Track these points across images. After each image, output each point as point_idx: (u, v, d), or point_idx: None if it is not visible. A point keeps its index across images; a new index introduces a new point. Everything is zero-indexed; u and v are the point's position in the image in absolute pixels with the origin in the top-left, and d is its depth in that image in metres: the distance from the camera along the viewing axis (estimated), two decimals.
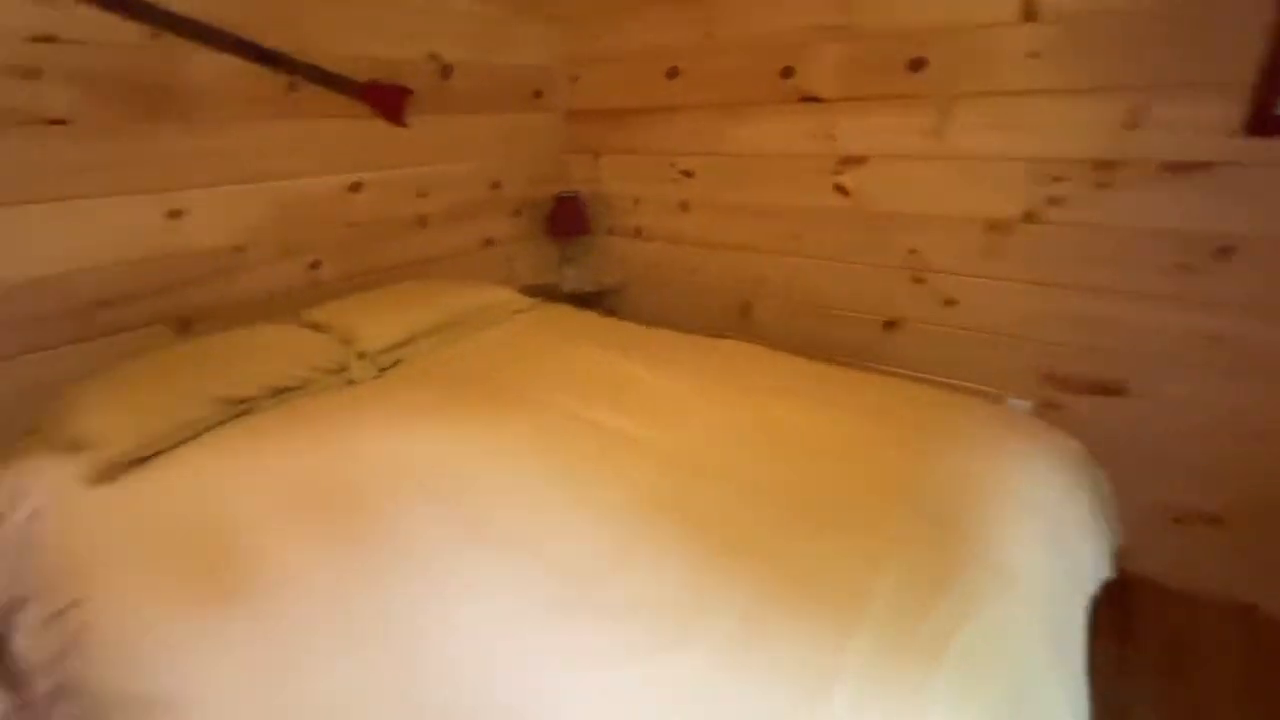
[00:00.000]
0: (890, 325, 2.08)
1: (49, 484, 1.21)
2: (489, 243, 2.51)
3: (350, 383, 1.57)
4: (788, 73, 2.03)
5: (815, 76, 1.99)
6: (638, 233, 2.61)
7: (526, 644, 0.79)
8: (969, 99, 1.76)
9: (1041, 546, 0.99)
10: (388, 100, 2.03)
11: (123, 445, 1.21)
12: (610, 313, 2.72)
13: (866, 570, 0.89)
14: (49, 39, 1.39)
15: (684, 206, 2.43)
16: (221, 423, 1.36)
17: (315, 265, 1.97)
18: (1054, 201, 1.72)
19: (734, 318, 2.42)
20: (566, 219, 2.61)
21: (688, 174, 2.38)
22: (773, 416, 1.32)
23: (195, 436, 1.31)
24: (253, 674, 0.79)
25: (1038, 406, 1.88)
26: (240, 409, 1.40)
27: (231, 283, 1.78)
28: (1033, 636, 0.84)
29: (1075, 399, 1.83)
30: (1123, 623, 1.65)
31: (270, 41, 1.73)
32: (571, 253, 2.78)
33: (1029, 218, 1.76)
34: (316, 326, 1.70)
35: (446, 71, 2.19)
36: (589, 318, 2.08)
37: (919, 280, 1.99)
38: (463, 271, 2.37)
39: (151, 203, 1.60)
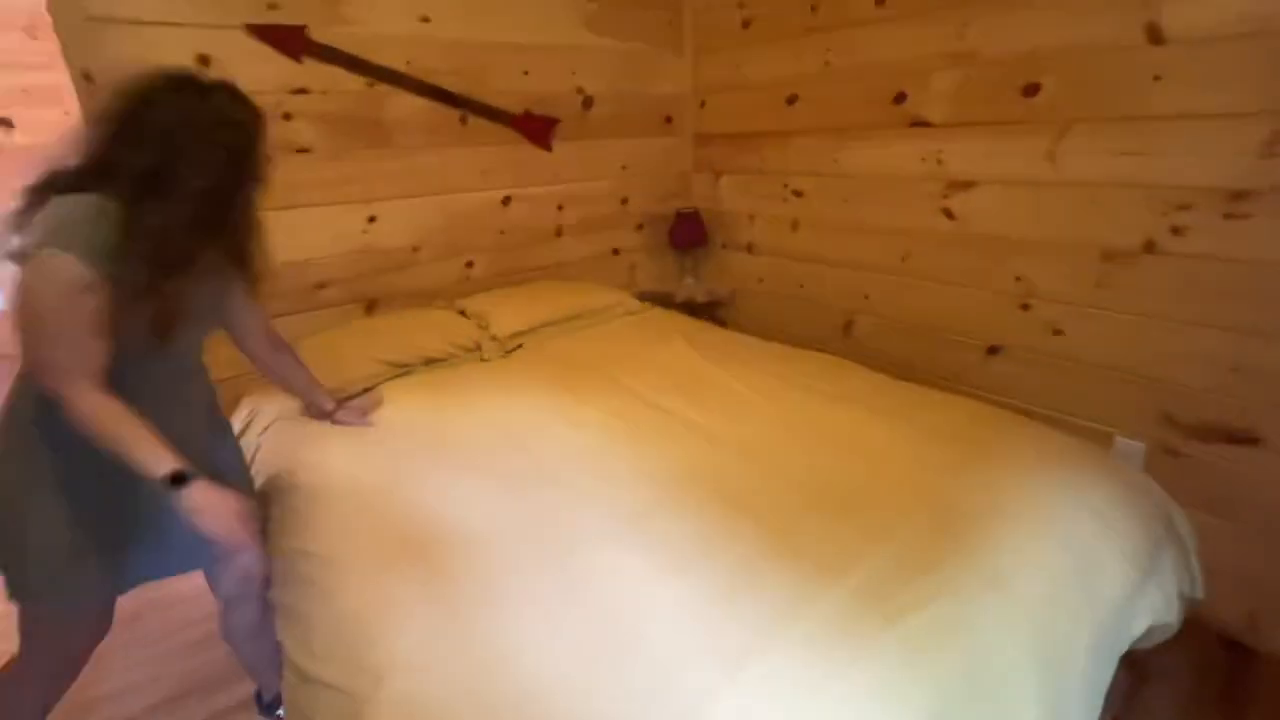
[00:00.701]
0: (993, 351, 2.05)
1: (275, 411, 1.68)
2: (615, 252, 2.82)
3: (482, 360, 1.93)
4: (900, 98, 2.09)
5: (927, 102, 2.03)
6: (750, 248, 2.77)
7: (597, 561, 1.03)
8: (1086, 124, 1.72)
9: (1052, 567, 1.02)
10: (538, 128, 2.42)
11: None
12: (720, 321, 2.92)
13: (860, 548, 1.00)
14: (301, 90, 1.91)
15: (794, 224, 2.56)
16: (386, 379, 1.77)
17: (470, 264, 2.40)
18: (1177, 231, 1.62)
19: (836, 333, 2.49)
20: (686, 233, 2.85)
21: (799, 194, 2.50)
22: (828, 419, 1.44)
23: (370, 387, 1.73)
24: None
25: (1153, 450, 1.76)
26: (400, 371, 1.81)
27: (407, 274, 2.25)
28: (1008, 637, 0.91)
29: (1199, 446, 1.69)
30: (1210, 685, 1.51)
31: (452, 85, 2.17)
32: (689, 264, 3.01)
33: (1149, 248, 1.68)
34: (463, 313, 2.10)
35: (588, 102, 2.53)
36: (688, 322, 2.30)
37: (1025, 307, 1.95)
38: (590, 276, 2.70)
39: (357, 211, 2.10)
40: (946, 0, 1.90)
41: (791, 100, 2.42)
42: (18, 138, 2.49)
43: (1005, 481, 1.18)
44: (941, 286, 2.14)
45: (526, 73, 2.34)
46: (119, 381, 0.97)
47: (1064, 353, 1.89)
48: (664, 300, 2.87)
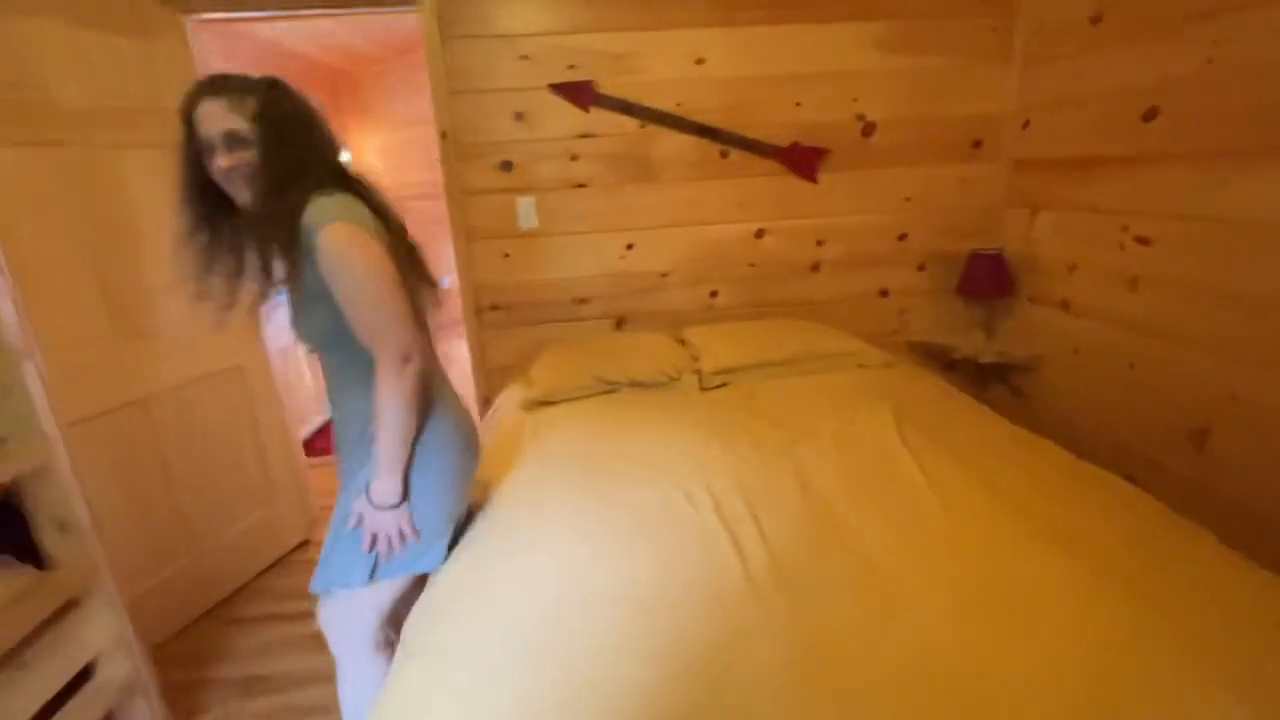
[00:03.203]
0: None
1: (512, 401, 2.03)
2: (884, 294, 2.51)
3: (681, 391, 1.96)
4: None
5: None
6: (1066, 305, 2.14)
7: None
8: None
9: None
10: (803, 160, 2.31)
11: (538, 391, 1.93)
12: (1015, 391, 2.36)
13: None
14: (586, 135, 2.23)
15: (1133, 282, 1.87)
16: (596, 394, 1.96)
17: (714, 294, 2.45)
18: None
19: (1180, 443, 1.75)
20: (982, 278, 2.35)
21: (1144, 241, 1.82)
22: (1043, 595, 0.97)
23: (579, 398, 1.94)
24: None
25: None
26: (608, 388, 1.97)
27: (654, 297, 2.43)
28: None
29: None
30: None
31: (719, 120, 2.24)
32: (980, 316, 2.48)
33: None
34: (681, 342, 2.16)
35: (869, 129, 2.31)
36: (929, 388, 1.90)
37: None
38: (848, 318, 2.47)
39: (618, 238, 2.35)
40: None
41: (1149, 115, 1.78)
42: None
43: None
44: None
45: (798, 104, 2.26)
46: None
47: None
48: (940, 355, 2.45)
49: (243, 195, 1.04)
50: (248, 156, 1.00)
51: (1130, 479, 1.77)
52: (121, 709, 1.45)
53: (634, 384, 1.98)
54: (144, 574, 1.88)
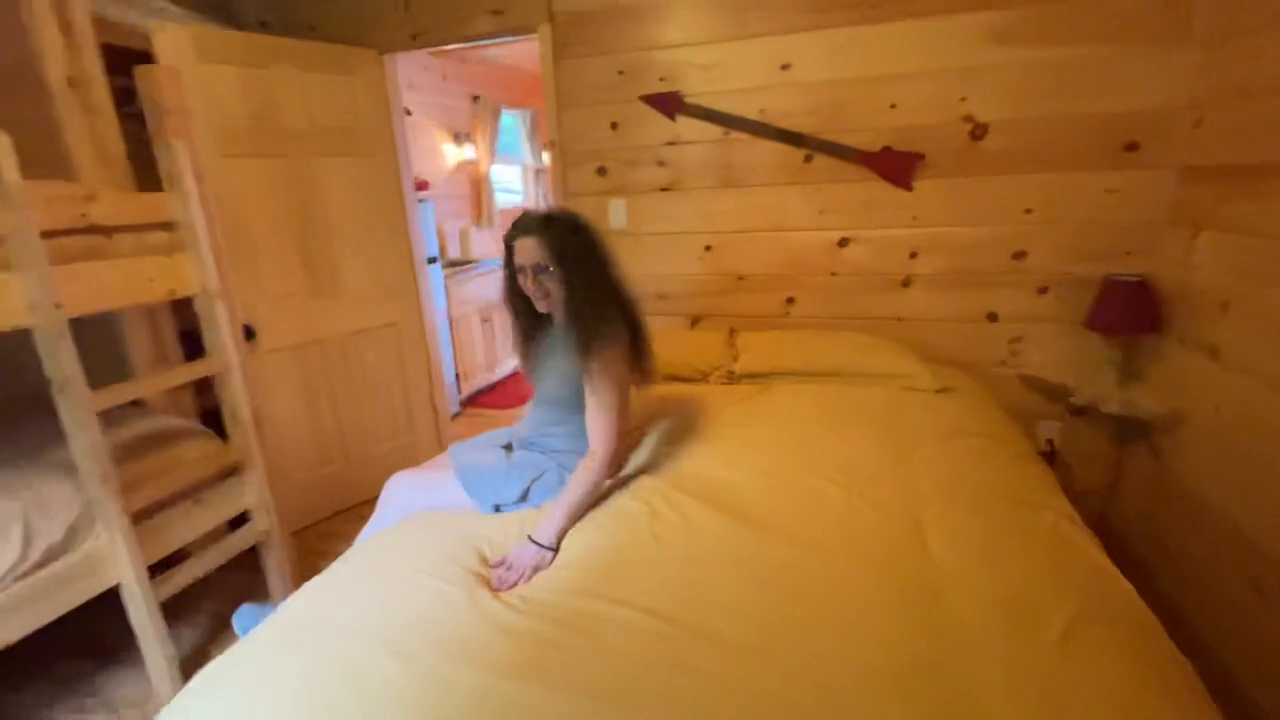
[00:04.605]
0: None
1: None
2: (992, 317, 2.21)
3: (711, 385, 2.04)
4: None
5: None
6: (1213, 352, 1.68)
7: None
8: None
9: None
10: (895, 165, 2.15)
11: None
12: (1155, 453, 1.93)
13: None
14: (672, 143, 2.38)
15: None
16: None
17: (790, 301, 2.41)
18: None
19: None
20: (1118, 309, 1.95)
21: None
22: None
23: None
24: None
25: None
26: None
27: (729, 300, 2.48)
28: None
29: None
30: None
31: (804, 125, 2.21)
32: (1115, 355, 2.04)
33: None
34: (731, 341, 2.21)
35: (979, 132, 2.05)
36: (968, 425, 1.67)
37: None
38: (942, 340, 2.24)
39: (697, 240, 2.46)
40: None
41: None
42: None
43: None
44: None
45: (893, 106, 2.11)
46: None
47: None
48: (1056, 394, 2.11)
49: (541, 305, 1.42)
50: (548, 282, 1.36)
51: (1258, 589, 1.41)
52: (263, 549, 2.07)
53: (670, 378, 2.10)
54: (310, 468, 2.59)
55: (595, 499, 1.35)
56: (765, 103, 2.23)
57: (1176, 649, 0.90)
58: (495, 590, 1.10)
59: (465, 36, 2.51)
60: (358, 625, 0.98)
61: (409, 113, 3.69)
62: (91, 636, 1.93)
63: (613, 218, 2.52)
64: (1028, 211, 2.08)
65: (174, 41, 2.05)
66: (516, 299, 1.49)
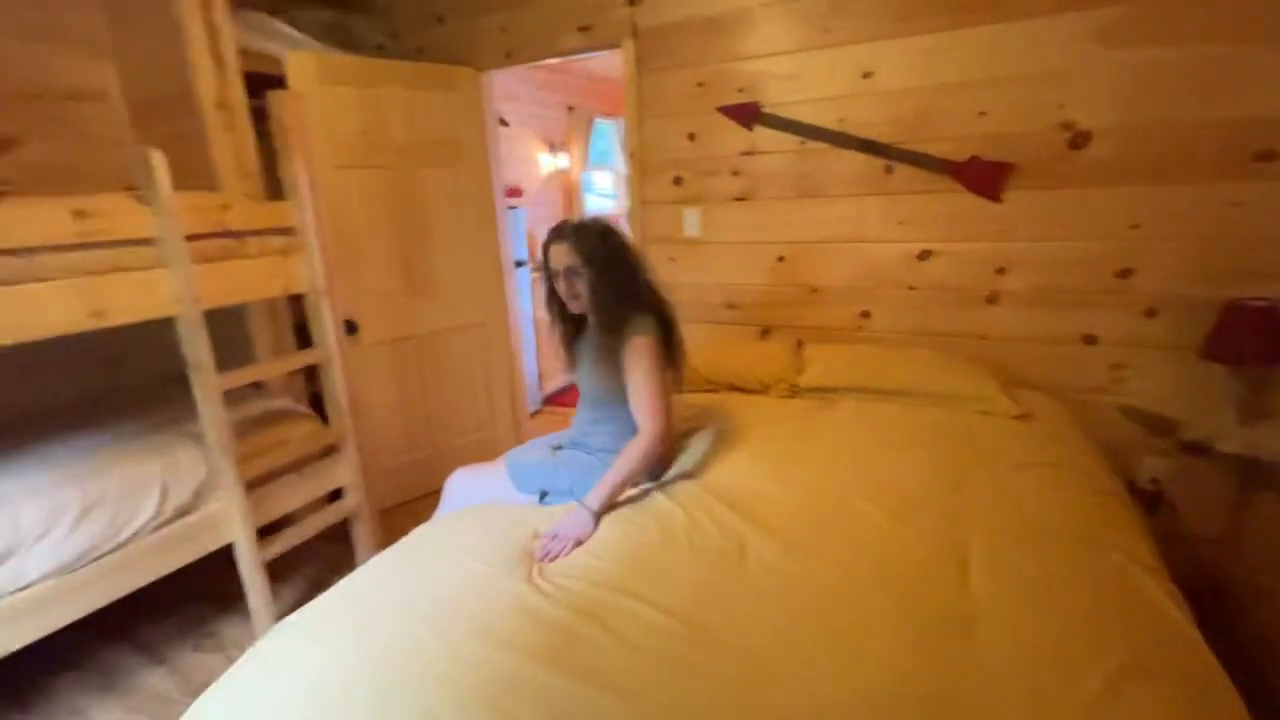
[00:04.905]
0: None
1: None
2: (1089, 340, 2.04)
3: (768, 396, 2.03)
4: None
5: None
6: None
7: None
8: None
9: None
10: (983, 176, 2.04)
11: None
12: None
13: None
14: (748, 153, 2.38)
15: None
16: (697, 391, 2.16)
17: (865, 314, 2.34)
18: None
19: None
20: (1242, 338, 1.74)
21: None
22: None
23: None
24: None
25: None
26: (709, 387, 2.16)
27: (801, 311, 2.45)
28: None
29: None
30: None
31: (886, 134, 2.15)
32: (1237, 389, 1.82)
33: None
34: (798, 353, 2.18)
35: (1079, 140, 1.90)
36: (1045, 458, 1.56)
37: None
38: (1032, 362, 2.10)
39: (770, 250, 2.45)
40: None
41: None
42: None
43: None
44: None
45: (983, 113, 2.00)
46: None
47: None
48: (1162, 428, 1.94)
49: (574, 306, 1.52)
50: (579, 283, 1.46)
51: None
52: (353, 523, 2.30)
53: (733, 388, 2.11)
54: (399, 453, 2.82)
55: (638, 476, 1.42)
56: (845, 112, 2.19)
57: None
58: (539, 561, 1.19)
59: (554, 53, 2.65)
60: (405, 599, 1.09)
61: (506, 124, 3.91)
62: (215, 586, 2.22)
63: (687, 226, 2.56)
64: (1134, 227, 1.90)
65: (302, 66, 2.32)
66: (556, 304, 1.59)
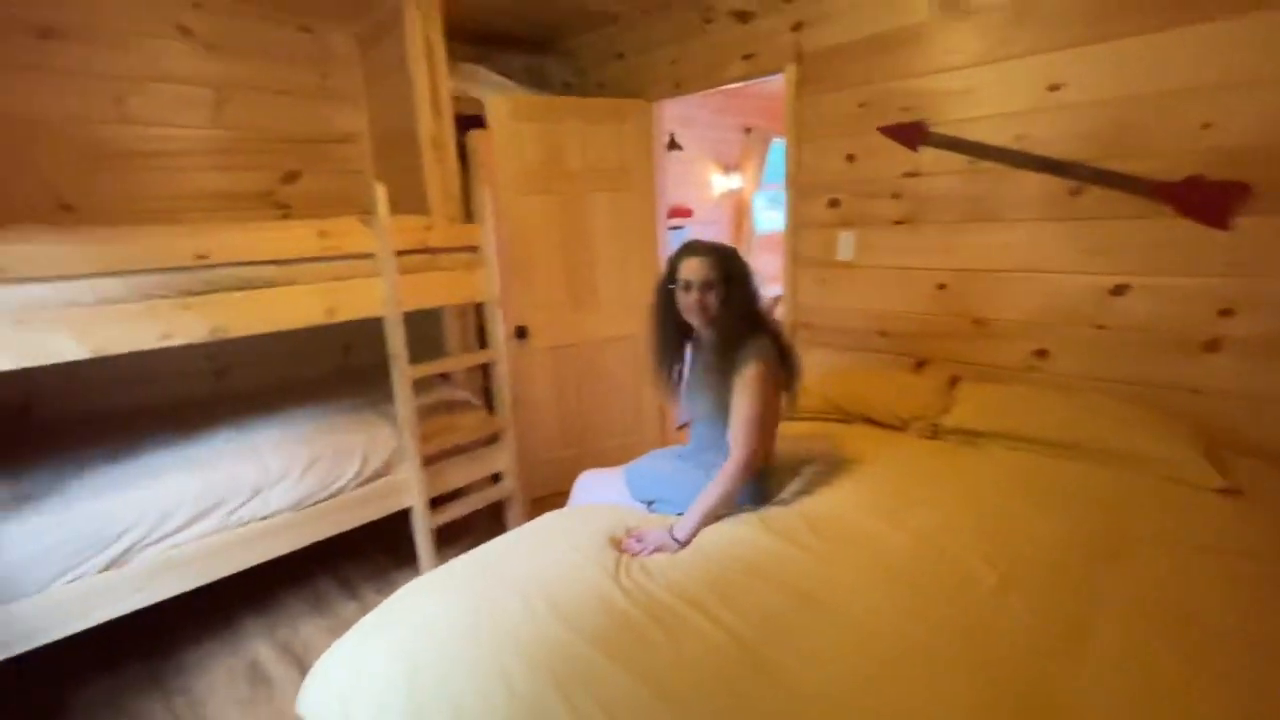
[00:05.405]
0: None
1: None
2: None
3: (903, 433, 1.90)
4: None
5: None
6: None
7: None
8: None
9: None
10: (1206, 198, 1.71)
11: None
12: None
13: None
14: (911, 174, 2.25)
15: None
16: (828, 419, 2.10)
17: (1041, 353, 2.08)
18: None
19: None
20: None
21: None
22: None
23: (811, 419, 2.13)
24: None
25: None
26: (841, 417, 2.09)
27: (963, 345, 2.25)
28: None
29: None
30: None
31: (1077, 152, 1.90)
32: None
33: None
34: (949, 390, 2.01)
35: None
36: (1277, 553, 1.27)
37: None
38: (1260, 426, 1.71)
39: (931, 276, 2.28)
40: None
41: None
42: None
43: None
44: None
45: (1206, 125, 1.68)
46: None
47: None
48: None
49: (695, 320, 1.56)
50: (711, 298, 1.50)
51: None
52: (507, 505, 2.61)
53: (867, 419, 2.02)
54: (554, 448, 3.11)
55: (727, 504, 1.46)
56: (1024, 128, 1.98)
57: None
58: (622, 550, 1.36)
59: (718, 82, 2.75)
60: (513, 573, 1.25)
61: (680, 148, 4.10)
62: (399, 543, 2.66)
63: (840, 249, 2.49)
64: None
65: (498, 107, 2.70)
66: (670, 320, 1.61)
